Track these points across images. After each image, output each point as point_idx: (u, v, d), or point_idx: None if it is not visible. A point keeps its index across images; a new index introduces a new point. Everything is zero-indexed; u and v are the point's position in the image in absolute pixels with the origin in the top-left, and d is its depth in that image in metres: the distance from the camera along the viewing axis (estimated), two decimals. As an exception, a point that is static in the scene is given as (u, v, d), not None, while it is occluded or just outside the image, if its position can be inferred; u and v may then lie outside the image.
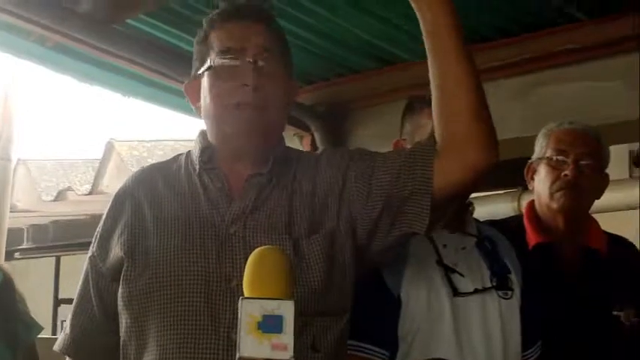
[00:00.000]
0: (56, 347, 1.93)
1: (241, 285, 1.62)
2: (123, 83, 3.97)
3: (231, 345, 1.64)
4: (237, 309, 1.54)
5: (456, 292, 1.99)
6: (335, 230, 1.74)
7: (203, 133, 1.85)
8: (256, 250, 1.41)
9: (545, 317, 2.14)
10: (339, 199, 1.75)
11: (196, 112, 1.87)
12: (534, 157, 2.55)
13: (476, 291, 2.03)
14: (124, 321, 1.77)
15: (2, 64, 5.65)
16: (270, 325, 1.33)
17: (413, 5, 1.66)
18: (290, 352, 1.31)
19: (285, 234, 1.71)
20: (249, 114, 1.73)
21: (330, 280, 1.71)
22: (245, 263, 1.55)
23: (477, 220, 2.19)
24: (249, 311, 1.34)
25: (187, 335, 1.68)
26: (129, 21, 3.42)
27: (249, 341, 1.33)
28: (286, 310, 1.33)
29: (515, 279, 2.11)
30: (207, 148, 1.81)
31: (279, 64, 1.79)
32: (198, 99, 1.83)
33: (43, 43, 3.52)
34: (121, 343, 1.78)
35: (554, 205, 2.45)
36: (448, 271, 2.01)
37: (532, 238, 2.48)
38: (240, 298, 1.36)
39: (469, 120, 1.64)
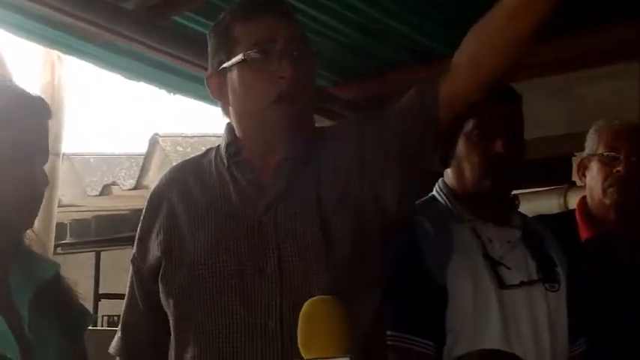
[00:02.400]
0: (111, 350, 1.96)
1: (276, 274, 1.66)
2: (169, 80, 4.01)
3: (268, 334, 1.67)
4: (272, 298, 1.58)
5: (502, 285, 2.00)
6: (362, 203, 1.74)
7: (230, 127, 1.85)
8: (307, 303, 1.36)
9: (595, 312, 2.14)
10: (360, 172, 1.76)
11: (221, 106, 1.87)
12: (585, 153, 2.56)
13: (522, 284, 2.03)
14: (170, 320, 1.80)
15: (50, 60, 5.70)
16: None
17: None
18: None
19: (315, 216, 1.72)
20: (288, 107, 1.74)
21: (360, 253, 1.72)
22: (278, 251, 1.60)
23: (522, 215, 2.18)
24: None
25: (224, 328, 1.70)
26: (175, 18, 3.46)
27: None
28: None
29: (561, 272, 2.10)
30: (233, 142, 1.82)
31: (309, 54, 1.81)
32: (222, 93, 1.83)
33: (90, 40, 3.56)
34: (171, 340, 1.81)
35: (607, 201, 2.46)
36: (494, 264, 2.02)
37: (584, 233, 2.50)
38: None
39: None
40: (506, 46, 1.67)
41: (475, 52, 1.71)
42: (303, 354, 1.32)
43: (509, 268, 2.03)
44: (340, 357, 1.30)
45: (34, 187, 1.65)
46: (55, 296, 1.68)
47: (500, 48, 1.68)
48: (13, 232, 1.66)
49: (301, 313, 1.35)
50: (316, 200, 1.74)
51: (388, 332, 1.89)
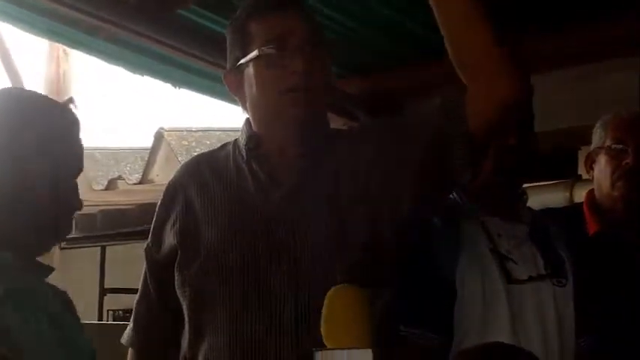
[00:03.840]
0: (123, 340, 1.99)
1: (291, 266, 1.68)
2: (174, 73, 4.00)
3: (283, 324, 1.69)
4: (287, 289, 1.57)
5: (510, 280, 1.99)
6: (378, 204, 1.76)
7: (248, 122, 1.88)
8: (331, 291, 1.38)
9: (603, 307, 2.13)
10: (378, 178, 1.77)
11: (239, 101, 1.90)
12: (593, 146, 2.54)
13: (530, 279, 2.02)
14: (184, 309, 1.82)
15: (55, 54, 5.71)
16: None
17: None
18: None
19: (331, 211, 1.75)
20: (300, 99, 1.77)
21: (374, 250, 1.74)
22: (294, 243, 1.61)
23: (530, 209, 2.18)
24: None
25: (239, 319, 1.72)
26: (180, 11, 3.45)
27: None
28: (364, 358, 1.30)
29: (568, 268, 2.10)
30: (253, 136, 1.85)
31: (322, 50, 1.83)
32: (239, 89, 1.86)
33: (95, 34, 3.55)
34: (184, 330, 1.83)
35: (616, 194, 2.45)
36: (502, 259, 2.01)
37: (592, 226, 2.49)
38: (314, 350, 1.34)
39: (480, 54, 1.66)
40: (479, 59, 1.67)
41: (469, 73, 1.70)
42: (325, 339, 1.34)
43: (517, 263, 2.02)
44: (362, 349, 1.30)
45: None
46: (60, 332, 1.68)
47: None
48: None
49: (326, 299, 1.37)
50: (333, 196, 1.77)
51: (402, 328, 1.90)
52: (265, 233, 1.75)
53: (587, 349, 2.12)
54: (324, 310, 1.36)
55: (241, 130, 1.90)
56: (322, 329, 1.35)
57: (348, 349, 1.31)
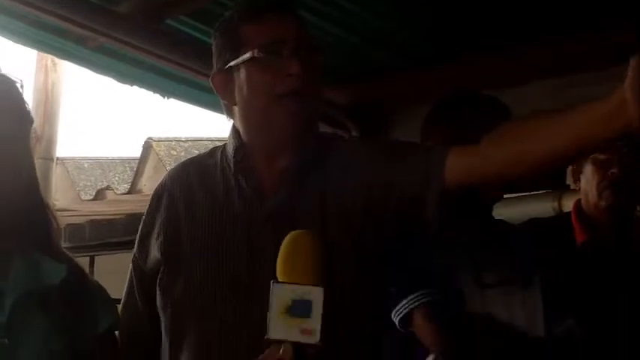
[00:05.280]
0: None
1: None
2: (163, 83, 3.99)
3: (259, 347, 1.66)
4: (268, 308, 1.57)
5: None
6: (365, 222, 1.75)
7: (236, 130, 1.85)
8: (291, 234, 1.46)
9: (590, 316, 2.15)
10: (369, 202, 1.76)
11: (225, 105, 1.86)
12: None
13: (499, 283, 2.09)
14: (163, 322, 1.81)
15: (44, 64, 5.70)
16: (299, 309, 1.38)
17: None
18: (317, 337, 1.37)
19: (318, 226, 1.71)
20: (295, 103, 1.75)
21: (361, 267, 1.73)
22: (276, 260, 1.57)
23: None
24: (280, 295, 1.39)
25: (219, 337, 1.71)
26: (168, 21, 3.45)
27: (278, 324, 1.38)
28: (316, 295, 1.38)
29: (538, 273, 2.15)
30: (240, 148, 1.81)
31: (317, 55, 1.82)
32: (228, 92, 1.82)
33: (84, 45, 3.55)
34: (162, 342, 1.82)
35: (603, 204, 2.47)
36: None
37: (580, 236, 2.50)
38: (272, 281, 1.40)
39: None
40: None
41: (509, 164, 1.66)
42: (280, 276, 1.42)
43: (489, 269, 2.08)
44: (315, 286, 1.39)
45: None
46: (63, 298, 1.68)
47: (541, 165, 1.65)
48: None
49: (284, 241, 1.45)
50: (318, 213, 1.74)
51: (399, 304, 2.00)
52: (248, 252, 1.73)
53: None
54: (280, 252, 1.44)
55: (228, 138, 1.87)
56: (278, 269, 1.43)
57: (304, 284, 1.39)
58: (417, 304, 2.01)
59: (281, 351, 1.38)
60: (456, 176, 1.67)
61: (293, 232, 1.47)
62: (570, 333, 2.15)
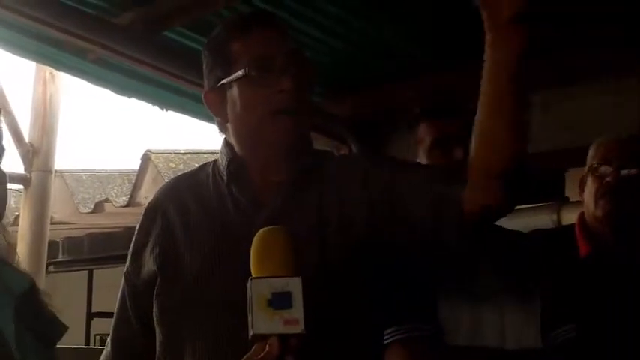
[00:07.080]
0: None
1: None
2: (161, 96, 4.00)
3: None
4: None
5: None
6: (362, 235, 1.73)
7: (228, 144, 1.83)
8: (259, 232, 1.48)
9: (592, 328, 2.14)
10: (367, 218, 1.74)
11: (218, 122, 1.85)
12: (585, 169, 2.56)
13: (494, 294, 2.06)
14: (158, 335, 1.79)
15: (42, 76, 5.70)
16: (279, 301, 1.39)
17: (487, 36, 1.53)
18: (301, 326, 1.38)
19: (314, 238, 1.71)
20: (289, 119, 1.73)
21: (357, 278, 1.72)
22: None
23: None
24: (258, 290, 1.40)
25: (217, 349, 1.69)
26: (167, 33, 3.45)
27: (260, 318, 1.39)
28: (294, 286, 1.39)
29: (536, 285, 2.13)
30: (234, 159, 1.80)
31: (307, 69, 1.80)
32: (221, 109, 1.81)
33: (82, 57, 3.56)
34: (157, 356, 1.80)
35: (599, 213, 2.46)
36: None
37: (583, 248, 2.50)
38: (250, 278, 1.41)
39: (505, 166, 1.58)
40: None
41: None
42: (255, 273, 1.43)
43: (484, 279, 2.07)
44: (291, 277, 1.41)
45: None
46: (32, 309, 1.66)
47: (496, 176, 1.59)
48: None
49: (253, 240, 1.47)
50: (316, 222, 1.73)
51: (387, 331, 1.93)
52: (244, 261, 1.69)
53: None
54: (252, 250, 1.46)
55: (220, 152, 1.85)
56: (252, 266, 1.44)
57: (280, 277, 1.41)
58: (389, 340, 1.95)
59: (267, 346, 1.39)
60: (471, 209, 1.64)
61: (261, 230, 1.48)
62: (571, 344, 2.14)
